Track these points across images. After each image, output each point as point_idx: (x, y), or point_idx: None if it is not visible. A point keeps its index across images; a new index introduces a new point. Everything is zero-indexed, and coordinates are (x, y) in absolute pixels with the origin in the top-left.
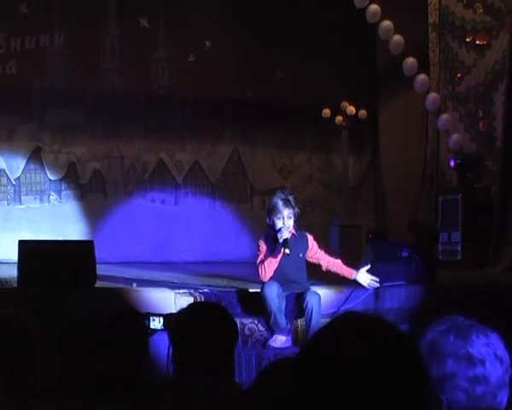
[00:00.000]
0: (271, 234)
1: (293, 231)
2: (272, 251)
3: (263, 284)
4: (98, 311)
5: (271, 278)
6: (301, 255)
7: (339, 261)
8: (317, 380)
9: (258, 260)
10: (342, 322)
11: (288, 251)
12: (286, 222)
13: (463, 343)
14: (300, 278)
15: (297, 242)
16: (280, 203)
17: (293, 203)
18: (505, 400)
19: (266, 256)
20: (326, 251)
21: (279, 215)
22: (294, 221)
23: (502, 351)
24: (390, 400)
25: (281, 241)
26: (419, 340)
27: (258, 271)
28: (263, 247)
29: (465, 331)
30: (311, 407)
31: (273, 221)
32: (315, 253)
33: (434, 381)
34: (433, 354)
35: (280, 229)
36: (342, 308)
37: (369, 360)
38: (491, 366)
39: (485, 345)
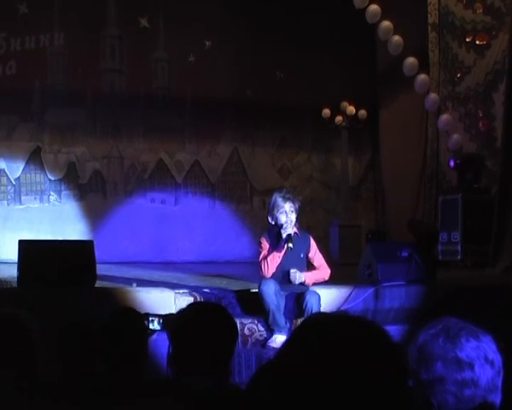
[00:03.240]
0: (274, 231)
1: (296, 230)
2: (275, 247)
3: (260, 281)
4: (98, 311)
5: (273, 275)
6: (302, 255)
7: (325, 274)
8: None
9: (261, 257)
10: (307, 330)
11: (291, 245)
12: (289, 216)
13: (452, 347)
14: None
15: (299, 241)
16: (280, 199)
17: (292, 199)
18: (497, 402)
19: (269, 252)
20: (325, 258)
21: (281, 209)
22: (296, 219)
23: (493, 354)
24: (368, 396)
25: (284, 236)
26: (413, 342)
27: (260, 267)
28: (265, 244)
29: (455, 335)
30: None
31: (276, 218)
32: (313, 254)
33: (424, 384)
34: (423, 357)
35: (283, 225)
36: (342, 308)
37: (342, 363)
38: (481, 369)
39: (475, 348)
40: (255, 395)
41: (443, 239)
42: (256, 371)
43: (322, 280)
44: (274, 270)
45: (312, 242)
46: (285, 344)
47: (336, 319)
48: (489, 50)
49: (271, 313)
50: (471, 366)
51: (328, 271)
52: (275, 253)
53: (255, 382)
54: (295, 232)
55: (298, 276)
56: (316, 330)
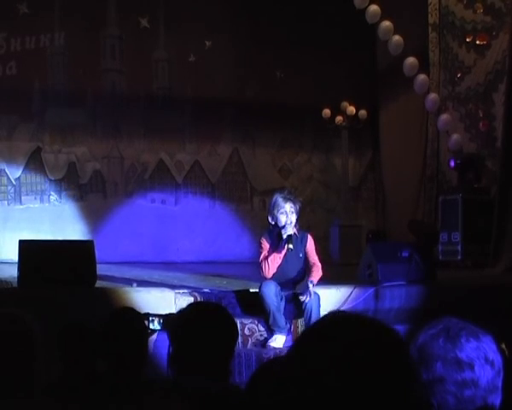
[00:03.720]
0: (275, 231)
1: (295, 231)
2: (276, 248)
3: (261, 283)
4: (98, 311)
5: (273, 276)
6: (301, 255)
7: (320, 270)
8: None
9: (262, 257)
10: (325, 324)
11: (291, 246)
12: (289, 216)
13: (452, 347)
14: (300, 278)
15: (298, 241)
16: (280, 199)
17: (293, 199)
18: (497, 403)
19: (270, 253)
20: (320, 258)
21: (282, 210)
22: (297, 220)
23: (493, 354)
24: (377, 399)
25: (285, 237)
26: (413, 342)
27: (261, 267)
28: (265, 244)
29: (455, 335)
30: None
31: (276, 218)
32: (309, 251)
33: (424, 384)
34: (423, 357)
35: (284, 226)
36: (342, 308)
37: (357, 361)
38: (481, 369)
39: (475, 349)
40: (256, 394)
41: (443, 239)
42: (256, 371)
43: (319, 277)
44: (274, 270)
45: (309, 239)
46: (298, 344)
47: (350, 319)
48: (489, 50)
49: (272, 313)
50: (471, 367)
51: (320, 265)
52: (275, 254)
53: (255, 382)
54: (294, 233)
55: (311, 289)
56: (330, 330)
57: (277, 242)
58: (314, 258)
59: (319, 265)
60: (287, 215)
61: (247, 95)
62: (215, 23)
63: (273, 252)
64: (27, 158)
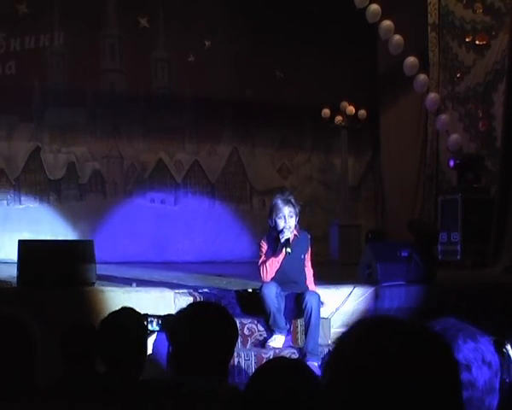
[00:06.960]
0: (273, 235)
1: (296, 232)
2: (274, 252)
3: (262, 284)
4: (98, 311)
5: (273, 278)
6: (302, 256)
7: (311, 273)
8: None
9: (260, 261)
10: (367, 327)
11: (289, 250)
12: (288, 221)
13: None
14: (300, 279)
15: (299, 242)
16: (280, 202)
17: (293, 202)
18: (495, 404)
19: (268, 257)
20: (320, 259)
21: (280, 214)
22: (297, 221)
23: (491, 355)
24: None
25: (282, 241)
26: None
27: (259, 271)
28: (264, 248)
29: (453, 336)
30: None
31: (275, 222)
32: (308, 254)
33: None
34: None
35: (282, 229)
36: (341, 308)
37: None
38: (478, 371)
39: (472, 350)
40: (255, 394)
41: (443, 239)
42: (255, 371)
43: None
44: (273, 275)
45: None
46: (347, 345)
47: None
48: (489, 50)
49: (272, 314)
50: (468, 368)
51: (312, 271)
52: (273, 258)
53: (255, 382)
54: (295, 234)
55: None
56: (385, 334)
57: (276, 245)
58: (309, 260)
59: (311, 271)
60: (285, 220)
61: (247, 95)
62: (215, 23)
63: (271, 256)
64: (27, 158)
